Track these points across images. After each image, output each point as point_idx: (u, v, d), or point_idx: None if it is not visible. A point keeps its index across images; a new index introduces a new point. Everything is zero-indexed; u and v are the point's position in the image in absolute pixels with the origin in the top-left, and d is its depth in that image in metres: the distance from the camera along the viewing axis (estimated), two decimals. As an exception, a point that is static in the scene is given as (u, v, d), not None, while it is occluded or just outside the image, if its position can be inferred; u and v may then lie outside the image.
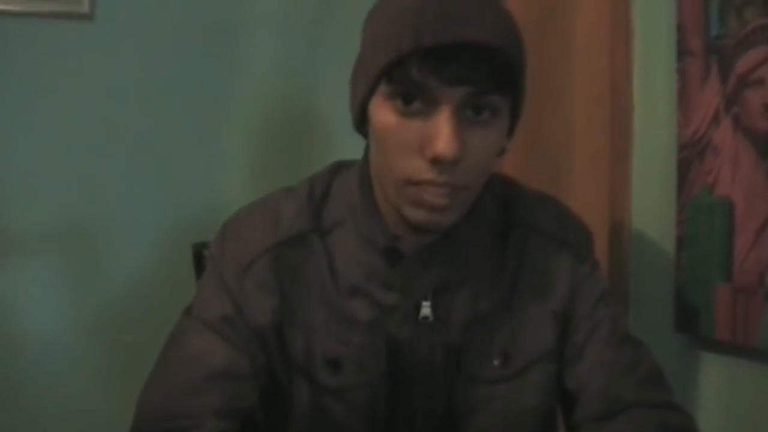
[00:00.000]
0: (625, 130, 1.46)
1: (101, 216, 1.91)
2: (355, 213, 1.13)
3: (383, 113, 1.02)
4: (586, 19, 1.52)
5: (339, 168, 1.19)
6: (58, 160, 1.89)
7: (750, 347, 1.19)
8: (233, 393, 1.08)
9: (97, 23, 1.89)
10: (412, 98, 0.99)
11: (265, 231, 1.13)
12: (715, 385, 1.28)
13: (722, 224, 1.23)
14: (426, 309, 1.10)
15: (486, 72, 0.98)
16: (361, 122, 1.08)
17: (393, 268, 1.11)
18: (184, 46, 1.94)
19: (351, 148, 1.16)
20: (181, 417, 1.06)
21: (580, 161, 1.53)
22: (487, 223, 1.15)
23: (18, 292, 1.88)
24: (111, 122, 1.90)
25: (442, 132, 0.98)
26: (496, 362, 1.13)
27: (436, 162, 0.99)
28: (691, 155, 1.30)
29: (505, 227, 1.17)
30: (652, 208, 1.42)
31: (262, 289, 1.11)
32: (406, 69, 0.98)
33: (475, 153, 1.01)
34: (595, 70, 1.50)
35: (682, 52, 1.31)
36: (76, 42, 1.88)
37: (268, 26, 2.00)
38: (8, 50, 1.85)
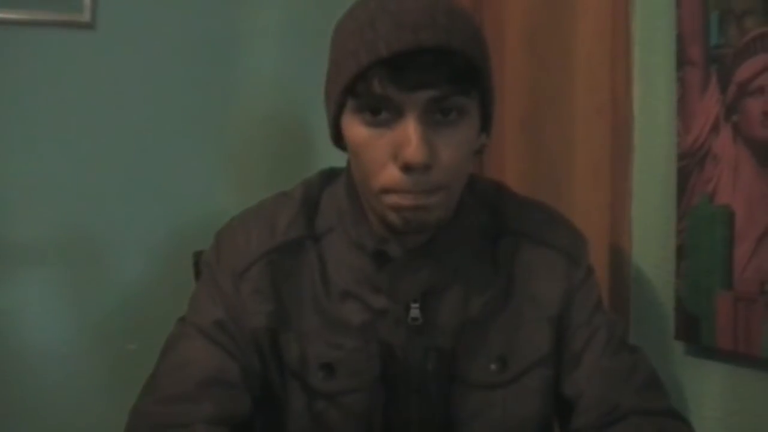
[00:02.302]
0: (625, 139, 1.46)
1: (101, 225, 1.91)
2: (344, 219, 1.14)
3: (354, 128, 1.05)
4: (587, 30, 1.52)
5: (330, 174, 1.21)
6: (58, 170, 1.89)
7: (751, 356, 1.19)
8: (225, 399, 1.08)
9: (97, 32, 1.90)
10: (379, 109, 1.02)
11: (260, 237, 1.14)
12: (716, 394, 1.28)
13: (722, 233, 1.23)
14: (415, 311, 1.11)
15: (446, 74, 1.00)
16: (338, 138, 1.10)
17: (380, 271, 1.11)
18: (185, 55, 1.95)
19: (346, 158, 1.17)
20: (173, 425, 1.06)
21: (581, 171, 1.53)
22: (474, 228, 1.16)
23: (19, 302, 1.88)
24: (111, 131, 1.91)
25: (409, 139, 1.00)
26: (493, 367, 1.13)
27: (407, 169, 1.01)
28: (691, 164, 1.30)
29: (496, 232, 1.18)
30: (652, 217, 1.42)
31: (257, 293, 1.12)
32: (368, 82, 1.01)
33: (447, 155, 1.03)
34: (596, 81, 1.50)
35: (682, 61, 1.32)
36: (77, 51, 1.89)
37: (268, 38, 2.01)
38: (9, 59, 1.86)
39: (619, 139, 1.47)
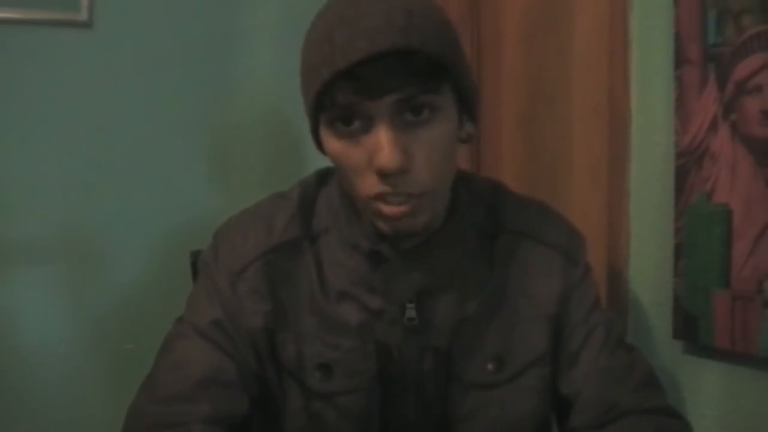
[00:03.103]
0: (623, 138, 1.46)
1: (98, 225, 1.91)
2: (338, 220, 1.14)
3: (329, 140, 1.04)
4: (584, 29, 1.53)
5: (326, 174, 1.21)
6: (56, 169, 1.89)
7: (749, 354, 1.19)
8: (222, 399, 1.08)
9: (95, 31, 1.90)
10: (350, 119, 1.01)
11: (258, 237, 1.14)
12: (713, 393, 1.28)
13: (720, 231, 1.23)
14: (411, 311, 1.11)
15: (408, 75, 0.99)
16: (321, 146, 1.09)
17: (375, 271, 1.11)
18: (182, 54, 1.95)
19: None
20: (170, 424, 1.06)
21: (578, 170, 1.53)
22: (470, 227, 1.16)
23: (17, 302, 1.88)
24: (109, 130, 1.91)
25: (381, 145, 0.99)
26: (490, 366, 1.13)
27: (383, 175, 1.00)
28: (689, 163, 1.30)
29: (494, 231, 1.17)
30: (650, 216, 1.41)
31: (254, 294, 1.12)
32: (332, 95, 1.00)
33: (423, 155, 1.02)
34: (593, 80, 1.50)
35: (680, 60, 1.32)
36: (75, 50, 1.89)
37: (265, 37, 2.01)
38: (7, 58, 1.86)
39: (617, 137, 1.46)
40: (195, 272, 1.34)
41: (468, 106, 1.08)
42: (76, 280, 1.91)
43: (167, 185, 1.94)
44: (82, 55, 1.90)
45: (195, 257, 1.34)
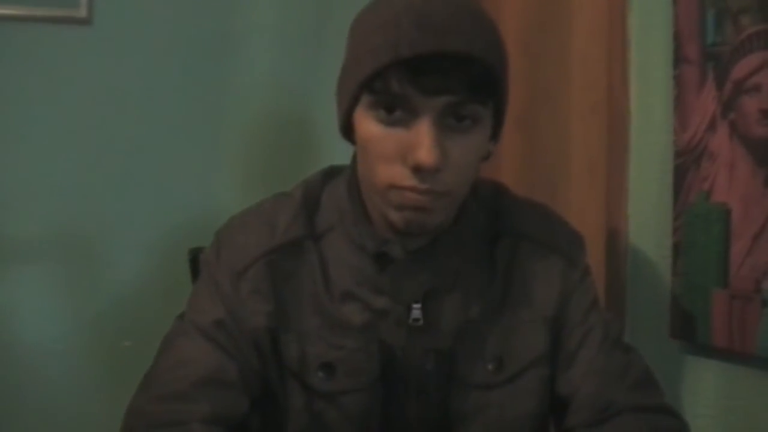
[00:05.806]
0: (621, 137, 1.47)
1: (98, 222, 1.91)
2: (345, 219, 1.13)
3: (366, 123, 1.04)
4: (583, 28, 1.53)
5: (331, 173, 1.20)
6: (54, 167, 1.89)
7: (747, 354, 1.19)
8: (222, 400, 1.08)
9: (94, 28, 1.90)
10: (394, 108, 1.01)
11: (260, 236, 1.14)
12: (711, 392, 1.28)
13: (719, 231, 1.23)
14: (416, 312, 1.11)
15: (465, 81, 0.99)
16: (347, 129, 1.09)
17: (382, 272, 1.11)
18: (182, 52, 1.95)
19: (345, 155, 1.17)
20: (170, 423, 1.05)
21: (577, 169, 1.53)
22: (475, 230, 1.16)
23: (15, 298, 1.88)
24: (108, 128, 1.91)
25: (422, 141, 0.99)
26: (489, 367, 1.13)
27: (417, 170, 1.00)
28: (687, 162, 1.30)
29: (496, 234, 1.18)
30: (648, 215, 1.42)
31: (257, 294, 1.11)
32: (386, 80, 0.99)
33: (456, 160, 1.02)
34: (592, 79, 1.50)
35: (679, 59, 1.32)
36: (74, 47, 1.89)
37: (265, 35, 2.01)
38: (5, 55, 1.85)
39: (615, 136, 1.47)
40: (193, 269, 1.34)
41: (500, 124, 1.09)
42: (74, 278, 1.90)
43: (165, 182, 1.94)
44: (81, 52, 1.89)
45: (193, 254, 1.34)
